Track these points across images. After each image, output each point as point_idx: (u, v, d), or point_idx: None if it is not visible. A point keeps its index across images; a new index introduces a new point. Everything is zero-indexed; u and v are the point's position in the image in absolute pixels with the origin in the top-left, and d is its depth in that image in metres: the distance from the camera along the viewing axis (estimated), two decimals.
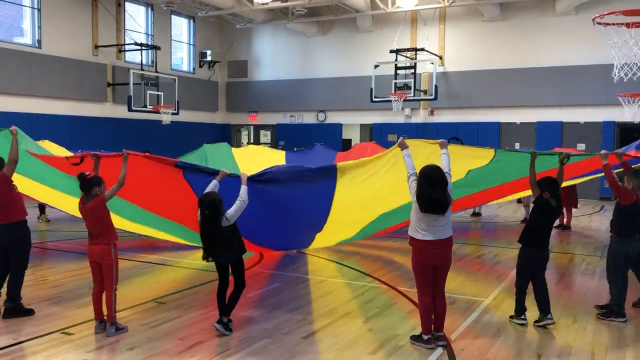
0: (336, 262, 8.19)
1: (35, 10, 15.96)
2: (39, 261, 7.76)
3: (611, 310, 5.64)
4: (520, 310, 5.46)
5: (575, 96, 17.21)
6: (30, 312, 5.51)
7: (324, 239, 7.72)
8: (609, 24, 7.52)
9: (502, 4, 17.74)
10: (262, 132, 22.77)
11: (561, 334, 5.15)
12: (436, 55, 18.46)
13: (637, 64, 7.65)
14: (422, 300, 4.84)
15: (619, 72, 7.73)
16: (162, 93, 17.91)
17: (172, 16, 20.40)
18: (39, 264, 7.58)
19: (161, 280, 7.02)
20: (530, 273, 5.43)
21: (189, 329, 5.16)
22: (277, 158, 13.02)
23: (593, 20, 7.65)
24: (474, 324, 5.42)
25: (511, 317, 5.51)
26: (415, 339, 4.89)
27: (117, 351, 4.64)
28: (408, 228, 4.91)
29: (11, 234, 5.49)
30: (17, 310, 5.48)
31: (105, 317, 5.05)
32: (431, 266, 4.80)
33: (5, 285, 5.56)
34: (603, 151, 5.63)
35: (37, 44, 16.00)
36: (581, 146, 17.15)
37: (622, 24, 7.43)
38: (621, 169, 6.04)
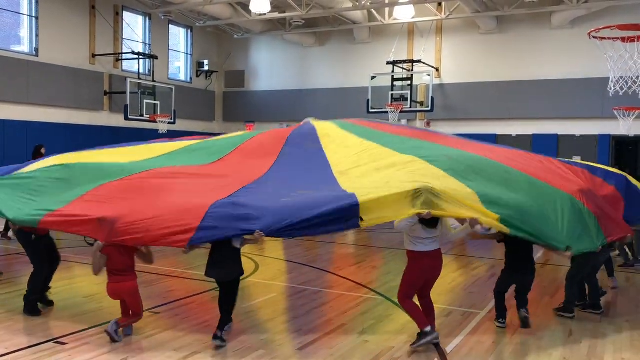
0: (332, 273, 8.17)
1: (33, 19, 15.98)
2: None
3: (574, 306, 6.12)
4: (500, 313, 5.69)
5: (571, 109, 17.30)
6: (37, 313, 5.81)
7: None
8: (604, 38, 7.59)
9: (498, 17, 17.87)
10: None
11: (557, 347, 5.14)
12: (433, 67, 18.56)
13: (632, 78, 7.70)
14: (408, 303, 5.10)
15: (614, 86, 7.80)
16: (158, 102, 17.92)
17: (170, 26, 20.45)
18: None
19: (155, 291, 6.97)
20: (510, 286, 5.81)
21: (184, 340, 5.12)
22: None
23: (589, 34, 7.72)
24: (470, 336, 5.40)
25: (495, 319, 5.75)
26: (417, 340, 4.97)
27: None
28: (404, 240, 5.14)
29: (22, 241, 5.97)
30: (31, 307, 5.80)
31: (119, 320, 5.13)
32: (426, 276, 5.13)
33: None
34: (568, 253, 5.38)
35: (34, 52, 16.00)
36: (577, 158, 17.20)
37: (617, 38, 7.50)
38: None
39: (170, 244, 4.99)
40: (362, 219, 4.80)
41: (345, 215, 4.81)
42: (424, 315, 5.07)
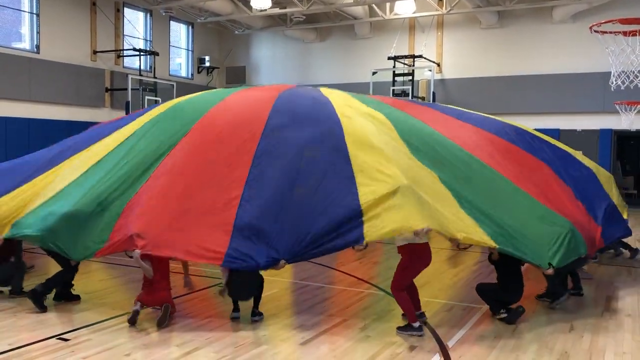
0: (333, 269, 8.18)
1: (34, 16, 15.98)
2: (38, 267, 7.72)
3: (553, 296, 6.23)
4: (495, 307, 5.80)
5: (572, 104, 17.26)
6: (43, 308, 5.82)
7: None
8: (606, 32, 7.57)
9: (499, 12, 17.82)
10: None
11: (559, 341, 5.15)
12: (434, 62, 18.52)
13: (634, 72, 7.69)
14: (402, 295, 5.29)
15: (616, 80, 7.78)
16: (160, 98, 17.89)
17: (171, 22, 20.43)
18: (37, 270, 7.55)
19: None
20: None
21: (186, 336, 5.14)
22: None
23: (590, 28, 7.70)
24: (472, 330, 5.41)
25: (493, 313, 5.82)
26: (404, 329, 5.23)
27: (113, 357, 4.61)
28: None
29: None
30: (36, 298, 5.81)
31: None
32: (423, 268, 5.43)
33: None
34: (550, 271, 5.67)
35: (35, 49, 16.01)
36: (579, 154, 17.16)
37: (619, 32, 7.49)
38: None
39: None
40: (366, 245, 5.36)
41: (351, 224, 5.24)
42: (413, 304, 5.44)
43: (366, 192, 5.34)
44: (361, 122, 6.33)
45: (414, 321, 5.23)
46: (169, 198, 5.70)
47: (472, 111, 8.14)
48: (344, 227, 5.24)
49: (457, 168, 6.12)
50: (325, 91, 7.34)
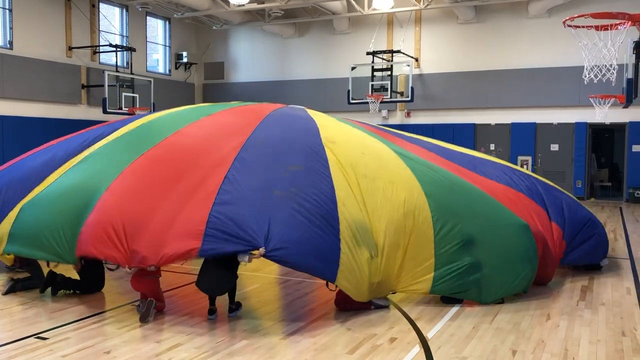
0: None
1: (7, 11, 15.69)
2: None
3: None
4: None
5: (548, 98, 17.53)
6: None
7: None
8: (579, 27, 7.69)
9: (476, 6, 17.98)
10: None
11: (535, 331, 5.25)
12: (412, 57, 18.63)
13: (606, 66, 7.83)
14: (358, 303, 5.66)
15: (589, 74, 7.92)
16: (137, 95, 17.75)
17: (148, 17, 20.23)
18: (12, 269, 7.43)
19: None
20: None
21: (166, 332, 5.13)
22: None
23: (564, 23, 7.82)
24: (450, 322, 5.49)
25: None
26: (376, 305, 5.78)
27: (93, 355, 4.58)
28: None
29: None
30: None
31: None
32: None
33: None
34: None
35: (8, 45, 15.73)
36: (554, 147, 17.49)
37: (591, 26, 7.61)
38: None
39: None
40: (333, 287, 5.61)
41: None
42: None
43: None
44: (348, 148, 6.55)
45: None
46: (138, 196, 5.73)
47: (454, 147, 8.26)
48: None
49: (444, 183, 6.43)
50: (311, 113, 7.50)
